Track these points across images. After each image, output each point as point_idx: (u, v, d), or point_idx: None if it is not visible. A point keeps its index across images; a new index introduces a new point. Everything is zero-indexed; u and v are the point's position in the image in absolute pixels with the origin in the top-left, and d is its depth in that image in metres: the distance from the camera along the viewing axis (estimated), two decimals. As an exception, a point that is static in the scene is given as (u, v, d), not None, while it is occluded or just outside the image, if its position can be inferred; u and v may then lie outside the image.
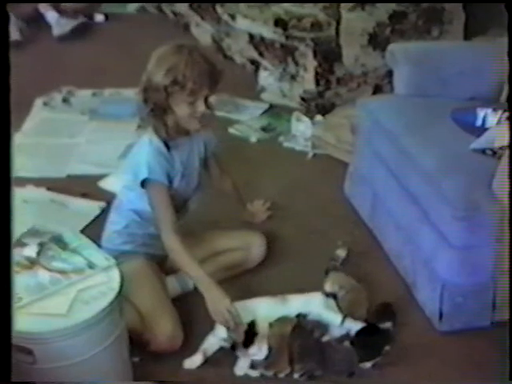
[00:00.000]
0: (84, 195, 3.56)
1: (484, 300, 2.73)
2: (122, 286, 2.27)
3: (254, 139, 4.15)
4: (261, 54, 4.56)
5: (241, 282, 2.97)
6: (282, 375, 2.56)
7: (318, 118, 4.19)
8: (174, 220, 2.67)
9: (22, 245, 2.37)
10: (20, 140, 3.89)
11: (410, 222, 2.92)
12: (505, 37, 2.51)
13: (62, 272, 2.29)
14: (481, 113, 3.01)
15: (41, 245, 2.38)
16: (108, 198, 3.25)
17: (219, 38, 5.02)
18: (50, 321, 2.13)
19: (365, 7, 4.20)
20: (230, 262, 2.98)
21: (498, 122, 2.96)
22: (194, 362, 2.59)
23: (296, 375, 2.55)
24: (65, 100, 4.53)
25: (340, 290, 2.78)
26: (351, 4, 4.20)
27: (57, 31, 5.43)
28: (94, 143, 4.07)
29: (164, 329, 2.60)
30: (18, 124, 4.07)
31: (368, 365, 2.59)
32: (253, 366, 2.56)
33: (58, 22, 5.45)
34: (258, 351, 2.53)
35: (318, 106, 4.29)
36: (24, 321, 2.03)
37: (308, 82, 4.30)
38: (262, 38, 4.46)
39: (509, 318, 2.21)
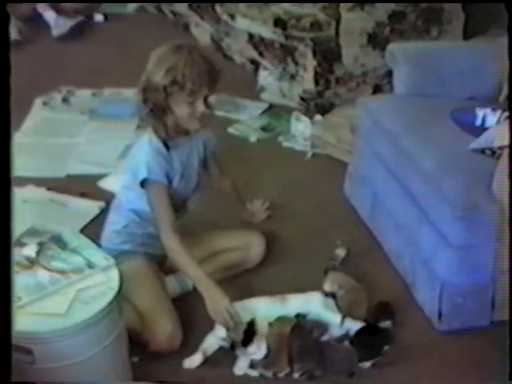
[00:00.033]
0: (83, 195, 3.56)
1: (483, 300, 2.73)
2: (121, 286, 2.27)
3: (253, 139, 4.15)
4: (260, 54, 4.56)
5: (240, 281, 2.97)
6: (281, 375, 2.56)
7: (318, 117, 4.19)
8: (173, 220, 2.67)
9: (22, 244, 2.37)
10: (20, 140, 3.88)
11: (409, 222, 2.92)
12: (504, 36, 2.51)
13: (61, 272, 2.29)
14: (480, 113, 3.01)
15: (40, 244, 2.38)
16: (107, 198, 3.25)
17: (219, 38, 5.02)
18: (49, 320, 2.13)
19: (364, 7, 4.20)
20: (230, 262, 2.98)
21: (498, 122, 2.96)
22: (193, 361, 2.59)
23: (295, 375, 2.55)
24: (64, 100, 4.53)
25: (339, 290, 2.78)
26: (350, 4, 4.20)
27: (56, 31, 5.43)
28: (94, 143, 4.07)
29: (163, 329, 2.60)
30: (17, 124, 4.08)
31: (367, 364, 2.59)
32: (252, 365, 2.56)
33: (56, 22, 5.45)
34: (257, 350, 2.53)
35: (318, 105, 4.29)
36: (23, 320, 2.03)
37: (307, 81, 4.30)
38: (262, 38, 4.46)
39: (509, 318, 2.21)
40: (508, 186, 2.35)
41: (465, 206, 2.58)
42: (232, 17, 4.63)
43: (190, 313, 2.76)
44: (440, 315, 2.75)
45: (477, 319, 2.76)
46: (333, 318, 2.68)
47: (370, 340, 2.62)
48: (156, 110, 2.62)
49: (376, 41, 4.25)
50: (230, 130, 4.22)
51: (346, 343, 2.62)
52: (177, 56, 2.57)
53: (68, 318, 2.14)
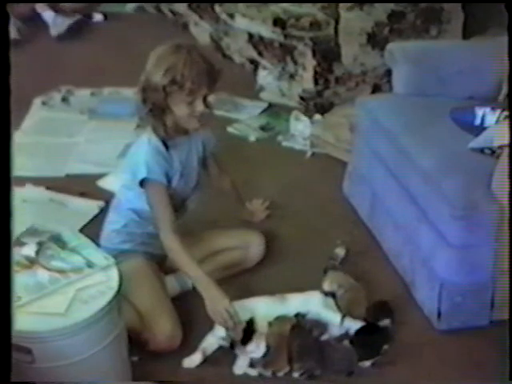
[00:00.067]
0: (83, 194, 3.56)
1: (482, 299, 2.73)
2: (120, 286, 2.27)
3: (252, 138, 4.15)
4: (260, 54, 4.56)
5: (239, 281, 2.97)
6: (280, 374, 2.56)
7: (317, 117, 4.19)
8: (173, 219, 2.67)
9: (21, 244, 2.37)
10: (19, 139, 3.88)
11: (408, 222, 2.92)
12: (503, 36, 2.51)
13: (60, 271, 2.29)
14: (479, 112, 3.01)
15: (40, 244, 2.38)
16: (107, 198, 3.25)
17: (218, 38, 5.02)
18: (48, 320, 2.13)
19: (363, 7, 4.20)
20: (229, 262, 2.98)
21: (497, 121, 2.96)
22: (193, 361, 2.59)
23: (295, 374, 2.55)
24: (64, 99, 4.53)
25: (339, 289, 2.79)
26: (349, 4, 4.20)
27: (54, 31, 5.43)
28: (93, 142, 4.07)
29: (163, 328, 2.60)
30: (16, 123, 4.07)
31: (367, 364, 2.59)
32: (252, 364, 2.56)
33: (54, 22, 5.45)
34: (256, 349, 2.53)
35: (317, 105, 4.30)
36: (23, 320, 2.03)
37: (307, 81, 4.30)
38: (261, 37, 4.46)
39: (509, 317, 2.21)
40: (508, 185, 2.34)
41: (464, 206, 2.58)
42: (231, 16, 4.63)
43: (189, 312, 2.76)
44: (439, 314, 2.75)
45: (476, 318, 2.76)
46: (332, 317, 2.68)
47: (369, 339, 2.62)
48: (155, 110, 2.62)
49: (375, 40, 4.25)
50: (230, 129, 4.22)
51: (346, 342, 2.63)
52: (176, 56, 2.57)
53: (67, 318, 2.14)
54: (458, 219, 2.59)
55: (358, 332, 2.64)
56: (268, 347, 2.54)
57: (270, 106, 4.48)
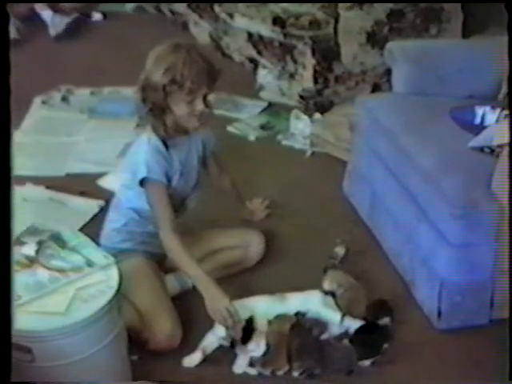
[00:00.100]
0: (83, 194, 3.56)
1: (482, 298, 2.73)
2: (120, 285, 2.27)
3: (252, 137, 4.15)
4: (259, 53, 4.56)
5: (239, 280, 2.97)
6: (280, 373, 2.56)
7: (317, 116, 4.19)
8: (173, 219, 2.67)
9: (21, 243, 2.37)
10: (19, 139, 3.87)
11: (408, 221, 2.92)
12: (503, 35, 2.51)
13: (60, 270, 2.29)
14: (479, 111, 3.01)
15: (39, 243, 2.38)
16: (107, 197, 3.25)
17: (218, 37, 5.02)
18: (48, 319, 2.13)
19: (362, 6, 4.20)
20: (229, 261, 2.98)
21: (497, 120, 2.96)
22: (193, 360, 2.59)
23: (295, 373, 2.56)
24: (63, 99, 4.53)
25: (338, 289, 2.79)
26: (349, 3, 4.20)
27: (53, 31, 5.43)
28: (93, 142, 4.07)
29: (163, 327, 2.60)
30: (16, 122, 4.08)
31: (367, 363, 2.59)
32: (251, 364, 2.56)
33: (52, 21, 5.45)
34: (256, 347, 2.53)
35: (317, 104, 4.30)
36: (23, 319, 2.03)
37: (306, 80, 4.30)
38: (261, 37, 4.46)
39: (509, 317, 2.21)
40: (508, 184, 2.34)
41: (464, 205, 2.58)
42: (230, 16, 4.63)
43: (189, 311, 2.76)
44: (439, 313, 2.75)
45: (476, 317, 2.76)
46: (332, 316, 2.69)
47: (369, 338, 2.62)
48: (155, 109, 2.62)
49: (375, 39, 4.25)
50: (230, 128, 4.22)
51: (346, 341, 2.63)
52: (175, 55, 2.57)
53: (67, 317, 2.14)
54: (458, 218, 2.59)
55: (358, 331, 2.64)
56: (268, 346, 2.54)
57: (270, 105, 4.48)
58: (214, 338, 2.60)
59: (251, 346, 2.53)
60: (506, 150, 2.52)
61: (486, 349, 2.65)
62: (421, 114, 3.07)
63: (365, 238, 3.25)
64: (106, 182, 3.63)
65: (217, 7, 4.82)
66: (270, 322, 2.62)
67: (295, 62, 4.33)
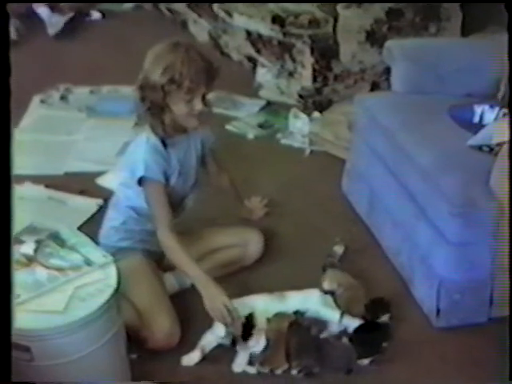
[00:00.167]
0: (82, 192, 3.56)
1: (481, 296, 2.74)
2: (119, 283, 2.27)
3: (251, 136, 4.15)
4: (258, 51, 4.56)
5: (238, 279, 2.97)
6: (279, 371, 2.56)
7: (316, 114, 4.19)
8: (170, 218, 2.67)
9: (20, 242, 2.37)
10: (18, 137, 3.82)
11: (407, 219, 2.92)
12: (502, 34, 2.51)
13: (59, 269, 2.29)
14: (478, 109, 3.01)
15: (38, 242, 2.38)
16: (106, 195, 3.25)
17: (216, 35, 5.02)
18: (47, 318, 2.13)
19: (361, 4, 4.20)
20: (228, 259, 2.98)
21: (496, 119, 2.96)
22: (191, 358, 2.59)
23: (293, 372, 2.56)
24: (62, 97, 4.53)
25: (338, 287, 2.78)
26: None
27: (51, 30, 5.43)
28: (92, 140, 4.07)
29: (161, 326, 2.61)
30: (15, 121, 4.07)
31: (366, 361, 2.59)
32: (251, 362, 2.56)
33: (50, 20, 5.44)
34: (256, 343, 2.53)
35: (316, 102, 4.30)
36: (21, 318, 2.02)
37: (305, 78, 4.30)
38: (260, 35, 4.46)
39: (509, 317, 2.21)
40: (508, 183, 2.34)
41: (462, 203, 2.58)
42: (229, 14, 4.63)
43: (188, 310, 2.76)
44: (438, 312, 2.75)
45: (475, 316, 2.76)
46: (331, 315, 2.69)
47: (368, 337, 2.62)
48: (154, 108, 2.62)
49: (374, 38, 4.25)
50: (228, 127, 4.22)
51: (345, 340, 2.63)
52: (174, 54, 2.56)
53: (66, 316, 2.14)
54: (457, 216, 2.59)
55: (357, 330, 2.64)
56: (267, 342, 2.54)
57: (269, 103, 4.48)
58: (213, 336, 2.60)
59: (251, 342, 2.53)
60: (504, 148, 2.53)
61: (484, 347, 2.65)
62: (419, 113, 3.06)
63: (363, 237, 3.25)
64: (104, 181, 3.63)
65: (216, 6, 4.82)
66: (268, 321, 2.62)
67: (294, 60, 4.33)
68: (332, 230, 3.27)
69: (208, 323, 2.62)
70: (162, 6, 5.72)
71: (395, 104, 3.19)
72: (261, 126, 4.25)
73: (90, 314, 2.15)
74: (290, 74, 4.40)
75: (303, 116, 4.11)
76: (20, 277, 2.22)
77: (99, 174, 3.70)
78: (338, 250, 3.12)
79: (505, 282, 2.50)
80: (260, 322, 2.60)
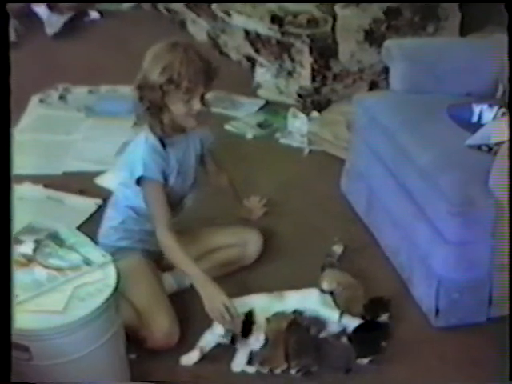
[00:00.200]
0: (80, 192, 3.56)
1: (480, 296, 2.74)
2: (118, 283, 2.27)
3: (250, 136, 4.15)
4: (257, 51, 4.56)
5: (237, 278, 2.97)
6: (278, 371, 2.56)
7: (315, 114, 4.19)
8: (169, 217, 2.67)
9: (19, 242, 2.37)
10: (16, 137, 3.86)
11: (406, 218, 2.92)
12: (501, 33, 2.51)
13: (58, 269, 2.29)
14: (477, 109, 3.01)
15: (37, 242, 2.38)
16: (104, 195, 3.25)
17: (215, 35, 5.02)
18: (46, 318, 2.13)
19: (358, 4, 4.20)
20: (226, 259, 2.98)
21: (494, 118, 2.96)
22: (190, 358, 2.59)
23: (292, 371, 2.56)
24: (61, 97, 4.53)
25: (337, 287, 2.78)
26: (346, 1, 4.21)
27: (50, 30, 5.42)
28: (91, 140, 4.07)
29: (161, 325, 2.61)
30: (14, 121, 4.04)
31: (365, 361, 2.59)
32: (250, 362, 2.56)
33: (49, 20, 5.43)
34: (256, 341, 2.53)
35: (314, 102, 4.29)
36: (20, 318, 2.02)
37: (304, 78, 4.30)
38: (258, 35, 4.46)
39: (508, 315, 2.21)
40: (507, 183, 2.34)
41: (461, 202, 2.58)
42: (228, 14, 4.63)
43: (187, 309, 2.76)
44: (437, 311, 2.75)
45: (474, 315, 2.76)
46: (330, 314, 2.69)
47: (367, 336, 2.62)
48: (152, 108, 2.62)
49: (373, 37, 4.25)
50: (227, 126, 4.21)
51: (344, 340, 2.63)
52: (172, 54, 2.56)
53: (65, 315, 2.14)
54: (455, 216, 2.59)
55: (356, 329, 2.64)
56: (267, 338, 2.54)
57: (268, 103, 4.47)
58: (212, 336, 2.60)
59: (251, 339, 2.53)
60: (503, 148, 2.53)
61: (483, 346, 2.65)
62: (418, 112, 3.06)
63: (362, 236, 3.25)
64: (103, 181, 3.63)
65: (214, 6, 4.82)
66: (268, 320, 2.62)
67: (293, 60, 4.33)
68: (331, 230, 3.27)
69: (207, 323, 2.62)
70: (161, 5, 5.71)
71: (394, 103, 3.18)
72: (260, 125, 4.24)
73: (89, 313, 2.15)
74: (289, 74, 4.40)
75: (302, 116, 4.11)
76: (19, 277, 2.21)
77: (98, 173, 3.70)
78: (337, 249, 3.12)
79: (504, 281, 2.50)
80: (259, 320, 2.60)
